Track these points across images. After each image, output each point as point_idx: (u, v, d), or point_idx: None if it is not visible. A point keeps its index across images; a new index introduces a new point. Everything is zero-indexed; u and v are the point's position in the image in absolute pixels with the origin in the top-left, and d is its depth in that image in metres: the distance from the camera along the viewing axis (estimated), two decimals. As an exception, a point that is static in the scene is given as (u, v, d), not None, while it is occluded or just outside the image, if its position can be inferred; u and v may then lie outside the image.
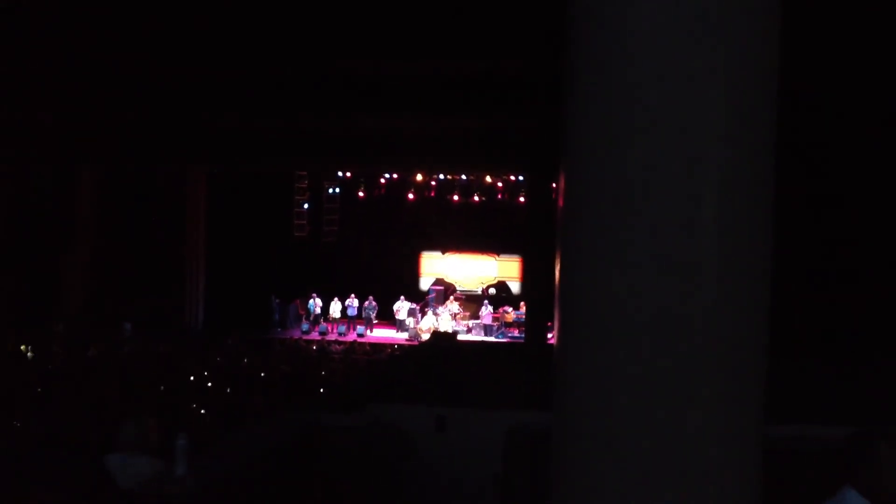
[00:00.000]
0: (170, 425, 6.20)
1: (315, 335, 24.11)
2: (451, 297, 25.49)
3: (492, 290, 26.40)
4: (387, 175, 25.56)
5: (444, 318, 24.05)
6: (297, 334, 24.08)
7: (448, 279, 26.62)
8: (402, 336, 23.89)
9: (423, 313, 24.56)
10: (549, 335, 16.85)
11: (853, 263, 15.35)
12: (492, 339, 23.73)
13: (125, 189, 22.92)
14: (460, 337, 20.96)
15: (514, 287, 26.21)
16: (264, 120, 18.08)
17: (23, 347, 17.39)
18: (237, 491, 4.59)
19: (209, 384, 13.77)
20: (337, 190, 26.52)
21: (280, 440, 5.15)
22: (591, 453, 3.14)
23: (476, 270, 26.79)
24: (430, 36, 12.24)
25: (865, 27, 10.88)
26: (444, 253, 26.87)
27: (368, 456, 5.17)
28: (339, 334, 24.26)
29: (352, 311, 25.00)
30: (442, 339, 12.37)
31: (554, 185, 17.05)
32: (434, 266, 26.92)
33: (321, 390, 12.07)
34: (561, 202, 3.28)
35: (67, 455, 5.49)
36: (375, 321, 24.87)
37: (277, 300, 25.20)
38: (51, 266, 22.08)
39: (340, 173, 25.99)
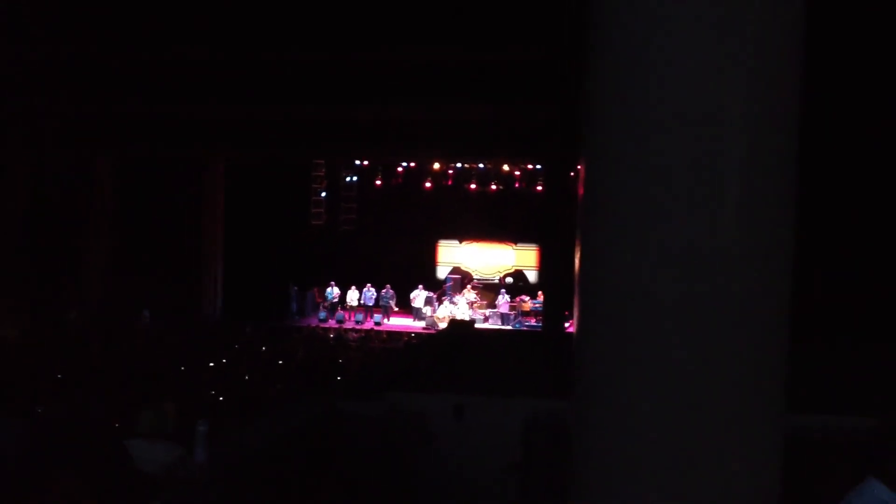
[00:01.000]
0: (189, 412, 6.24)
1: (332, 323, 24.18)
2: (468, 286, 25.48)
3: (509, 279, 26.38)
4: (404, 164, 25.53)
5: (461, 307, 24.06)
6: (314, 322, 24.15)
7: (465, 268, 26.61)
8: (419, 324, 23.92)
9: (440, 302, 24.58)
10: (567, 324, 16.82)
11: (877, 251, 15.25)
12: (508, 327, 23.72)
13: (143, 179, 23.02)
14: (477, 326, 20.96)
15: (531, 276, 26.18)
16: (281, 109, 18.11)
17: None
18: (256, 476, 4.62)
19: (228, 372, 13.85)
20: (354, 178, 26.53)
21: (298, 427, 5.18)
22: (610, 441, 3.14)
23: (493, 259, 26.78)
24: (449, 24, 12.23)
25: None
26: (461, 241, 26.86)
27: (386, 443, 5.19)
28: (357, 322, 24.32)
29: (369, 300, 25.02)
30: (459, 328, 12.36)
31: (572, 173, 17.06)
32: (451, 255, 26.92)
33: (338, 378, 12.12)
34: (581, 191, 3.27)
35: (89, 440, 5.53)
36: (396, 309, 24.89)
37: (295, 288, 25.27)
38: (70, 256, 22.23)
39: (357, 162, 26.00)
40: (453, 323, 16.56)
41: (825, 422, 5.03)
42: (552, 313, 18.87)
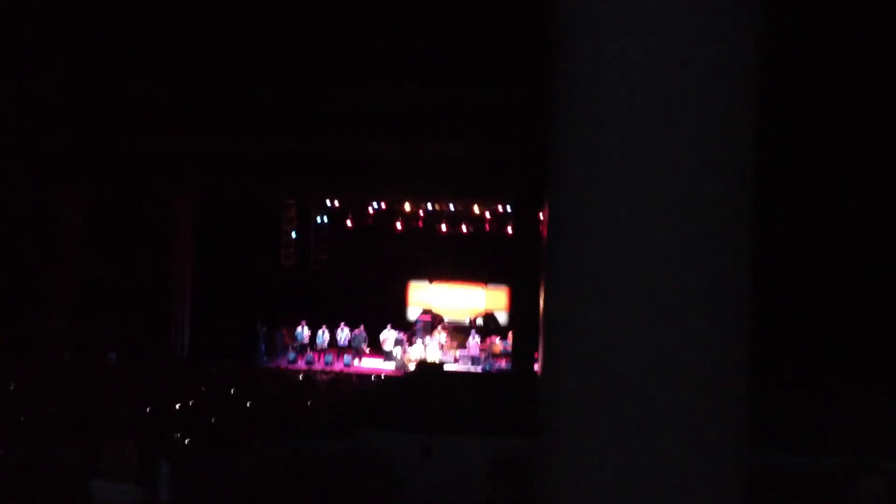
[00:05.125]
0: (152, 452, 6.15)
1: (301, 364, 23.98)
2: (439, 327, 25.43)
3: (479, 321, 26.36)
4: (375, 205, 25.58)
5: (432, 349, 23.97)
6: (283, 363, 23.95)
7: (436, 309, 26.55)
8: (388, 366, 23.76)
9: (411, 343, 24.48)
10: (536, 366, 16.79)
11: (839, 290, 15.44)
12: (479, 369, 23.64)
13: (111, 215, 22.84)
14: (447, 367, 20.88)
15: (502, 318, 26.17)
16: (251, 145, 18.14)
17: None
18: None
19: (194, 413, 13.68)
20: (325, 219, 26.53)
21: (264, 466, 5.14)
22: (575, 480, 3.16)
23: (464, 300, 26.75)
24: (421, 63, 12.35)
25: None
26: (431, 282, 26.84)
27: (352, 483, 5.16)
28: (326, 364, 24.13)
29: (342, 341, 24.84)
30: (427, 368, 12.36)
31: (541, 215, 17.16)
32: (422, 295, 26.88)
33: (305, 417, 12.02)
34: (545, 233, 3.32)
35: (51, 481, 5.46)
36: (367, 350, 24.74)
37: (264, 329, 25.07)
38: (35, 292, 21.94)
39: (329, 202, 26.01)
40: (421, 364, 16.52)
41: (787, 461, 5.07)
42: (522, 354, 18.86)
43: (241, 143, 17.89)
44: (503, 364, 23.79)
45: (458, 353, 24.48)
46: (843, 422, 6.13)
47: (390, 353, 24.25)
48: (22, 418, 12.30)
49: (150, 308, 23.08)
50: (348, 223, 25.96)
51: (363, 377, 21.47)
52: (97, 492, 4.84)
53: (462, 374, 19.26)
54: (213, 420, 12.97)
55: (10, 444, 8.93)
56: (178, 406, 14.28)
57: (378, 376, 21.48)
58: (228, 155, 19.33)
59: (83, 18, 12.57)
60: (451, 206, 25.20)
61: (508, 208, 24.35)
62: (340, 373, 22.32)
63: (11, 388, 15.92)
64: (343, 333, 24.83)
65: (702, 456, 3.07)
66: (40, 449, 8.45)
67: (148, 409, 13.67)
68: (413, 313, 26.40)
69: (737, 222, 3.11)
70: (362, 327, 24.74)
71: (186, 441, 10.77)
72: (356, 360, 24.43)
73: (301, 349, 24.81)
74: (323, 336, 24.90)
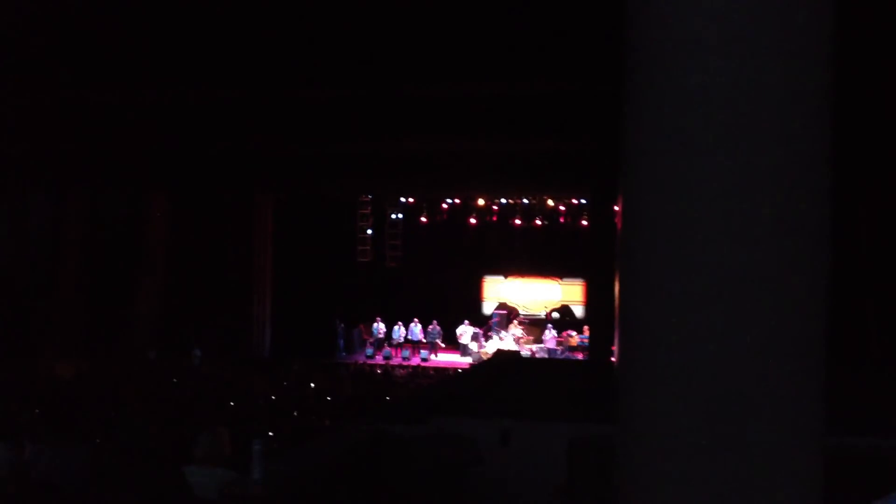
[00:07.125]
0: (243, 438, 6.39)
1: (379, 360, 24.30)
2: (515, 321, 25.46)
3: (555, 314, 26.30)
4: (448, 200, 25.73)
5: (508, 342, 24.01)
6: (361, 359, 24.30)
7: (511, 303, 26.59)
8: (465, 360, 23.91)
9: (487, 337, 24.58)
10: (613, 359, 16.70)
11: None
12: (554, 360, 23.60)
13: (194, 216, 23.45)
14: (523, 360, 20.89)
15: (578, 311, 26.08)
16: (328, 145, 18.43)
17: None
18: (310, 496, 4.75)
19: (277, 408, 14.01)
20: (399, 215, 26.77)
21: (349, 449, 5.31)
22: (653, 466, 3.21)
23: (539, 294, 26.74)
24: (492, 58, 12.41)
25: None
26: (506, 277, 26.90)
27: (434, 464, 5.29)
28: (404, 359, 24.40)
29: (416, 336, 25.09)
30: (505, 356, 12.43)
31: (616, 207, 17.15)
32: (497, 290, 26.94)
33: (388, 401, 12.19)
34: (620, 224, 3.38)
35: (148, 467, 5.71)
36: (442, 345, 24.92)
37: (342, 325, 25.45)
38: (123, 293, 22.67)
39: (403, 199, 26.25)
40: (499, 352, 16.55)
41: (849, 442, 5.03)
42: (599, 348, 18.80)
43: (317, 143, 18.22)
44: (580, 357, 23.72)
45: (534, 346, 24.50)
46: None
47: (466, 347, 24.39)
48: (113, 414, 12.80)
49: (232, 307, 23.63)
50: (422, 219, 26.15)
51: (440, 371, 21.66)
52: (192, 476, 5.05)
53: (539, 360, 19.32)
54: (294, 414, 13.28)
55: (106, 434, 9.34)
56: (260, 402, 14.65)
57: (455, 371, 21.64)
58: (305, 156, 19.69)
59: (161, 30, 13.00)
60: (525, 200, 25.20)
61: (583, 201, 24.25)
62: (418, 367, 22.55)
63: (103, 384, 16.53)
64: (417, 329, 25.07)
65: (780, 440, 3.08)
66: (135, 438, 8.82)
67: (232, 404, 14.06)
68: (488, 308, 26.50)
69: (815, 205, 3.10)
70: (435, 322, 24.93)
71: (270, 434, 11.07)
72: (433, 354, 24.63)
73: (378, 344, 25.12)
74: (399, 332, 25.18)
